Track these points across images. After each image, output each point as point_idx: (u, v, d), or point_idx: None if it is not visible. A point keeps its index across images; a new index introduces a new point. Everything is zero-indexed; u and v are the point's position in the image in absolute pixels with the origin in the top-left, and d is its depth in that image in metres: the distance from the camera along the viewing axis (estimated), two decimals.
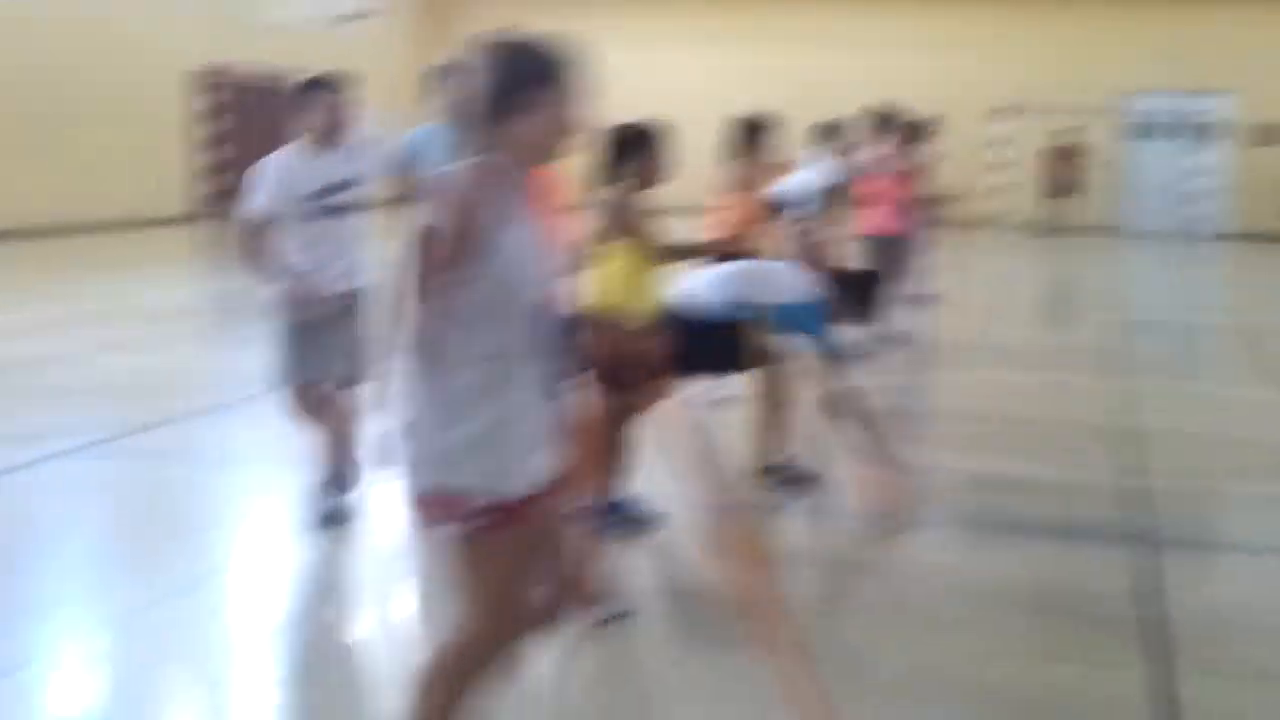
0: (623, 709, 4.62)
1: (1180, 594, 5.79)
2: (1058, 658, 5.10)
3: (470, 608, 3.38)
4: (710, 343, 6.99)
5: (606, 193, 6.12)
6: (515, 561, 3.39)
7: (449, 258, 3.21)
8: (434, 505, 3.30)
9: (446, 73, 7.79)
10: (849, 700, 4.65)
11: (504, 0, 29.31)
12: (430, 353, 3.28)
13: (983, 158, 25.21)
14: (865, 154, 12.40)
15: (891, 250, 12.11)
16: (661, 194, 6.34)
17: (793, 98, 21.26)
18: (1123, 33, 26.99)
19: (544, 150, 3.42)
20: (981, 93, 26.25)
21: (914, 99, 18.16)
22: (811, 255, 9.87)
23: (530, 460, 3.36)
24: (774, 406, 7.33)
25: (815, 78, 26.84)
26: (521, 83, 3.35)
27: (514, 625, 3.44)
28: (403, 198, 6.40)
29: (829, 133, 11.50)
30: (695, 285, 7.03)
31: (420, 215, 3.24)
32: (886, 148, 12.35)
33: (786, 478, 7.33)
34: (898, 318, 12.38)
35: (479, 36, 3.39)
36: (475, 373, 3.29)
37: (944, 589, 5.88)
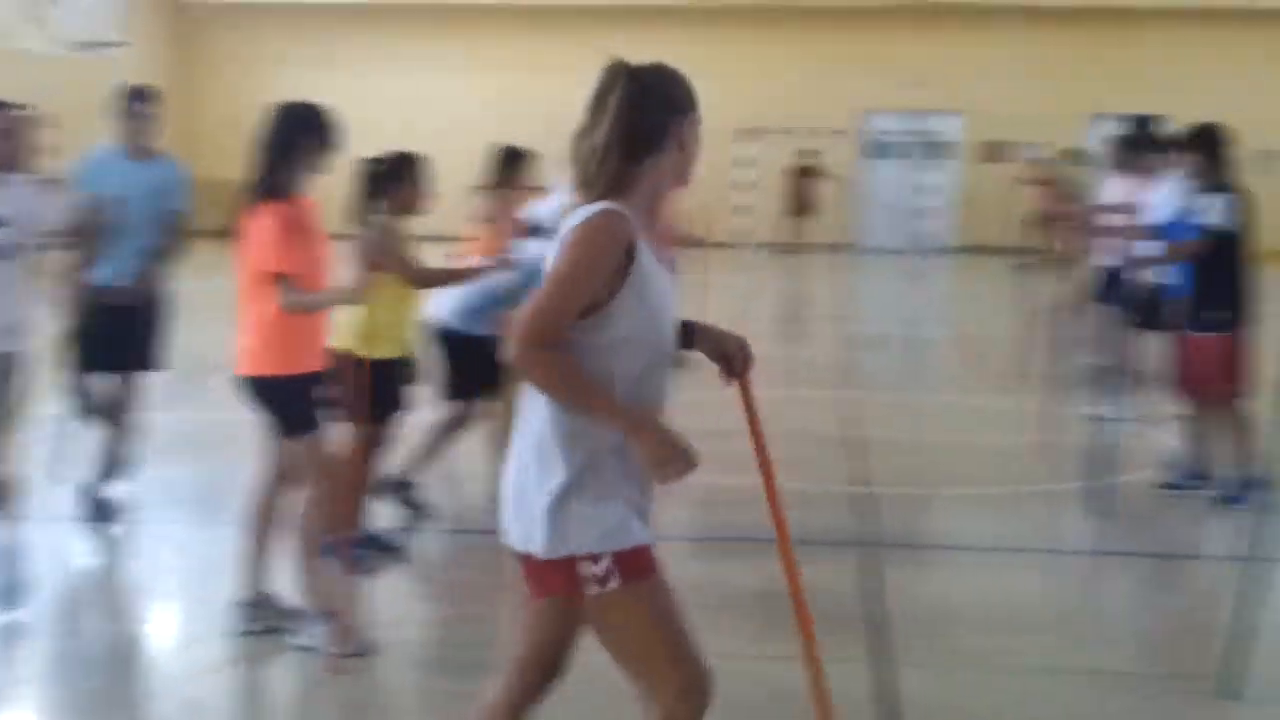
0: None
1: (900, 592, 6.25)
2: (791, 659, 5.46)
3: (645, 670, 3.25)
4: (474, 364, 7.24)
5: (365, 223, 6.28)
6: (667, 606, 3.28)
7: (598, 312, 3.07)
8: (566, 569, 3.14)
9: (136, 96, 7.60)
10: (585, 711, 4.92)
11: (250, 27, 29.05)
12: (566, 409, 3.11)
13: (727, 178, 25.90)
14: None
15: None
16: (416, 224, 6.55)
17: (541, 125, 21.54)
18: (858, 55, 28.08)
19: (670, 188, 3.25)
20: (725, 114, 26.96)
21: None
22: None
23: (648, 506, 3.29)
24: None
25: (563, 105, 27.20)
26: (661, 115, 3.20)
27: (699, 670, 3.31)
28: (78, 230, 5.93)
29: None
30: (455, 306, 7.24)
31: (559, 263, 3.08)
32: None
33: None
34: None
35: (609, 63, 3.27)
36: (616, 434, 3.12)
37: (689, 598, 6.17)
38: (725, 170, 25.79)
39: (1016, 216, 26.55)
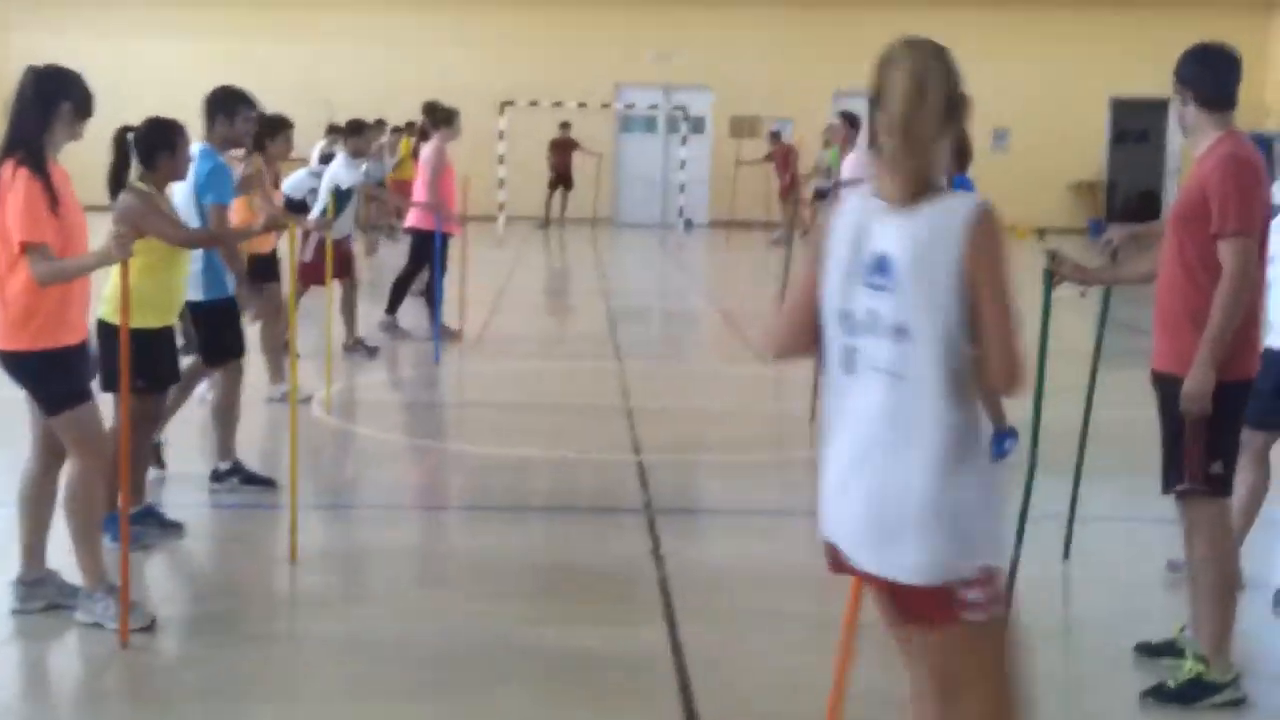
0: (149, 712, 4.77)
1: (678, 555, 6.45)
2: (582, 619, 5.64)
3: (997, 701, 3.13)
4: (218, 328, 7.19)
5: (126, 190, 6.14)
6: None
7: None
8: (945, 593, 3.01)
9: None
10: (389, 680, 4.99)
11: None
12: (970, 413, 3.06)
13: (493, 150, 25.81)
14: (424, 151, 12.71)
15: (425, 246, 12.33)
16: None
17: (284, 94, 21.21)
18: (614, 29, 28.33)
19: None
20: (488, 86, 26.86)
21: (423, 95, 18.55)
22: (320, 254, 10.10)
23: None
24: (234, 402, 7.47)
25: (312, 73, 26.77)
26: (959, 88, 3.08)
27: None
28: None
29: (354, 131, 11.72)
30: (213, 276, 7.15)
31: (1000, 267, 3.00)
32: (433, 144, 12.54)
33: (246, 477, 7.43)
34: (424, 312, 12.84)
35: (906, 41, 3.07)
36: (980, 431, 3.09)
37: (475, 567, 6.31)
38: (489, 143, 25.66)
39: (767, 191, 27.29)
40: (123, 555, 5.23)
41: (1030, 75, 28.44)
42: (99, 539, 5.43)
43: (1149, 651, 5.22)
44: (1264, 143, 5.82)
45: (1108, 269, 5.80)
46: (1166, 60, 5.12)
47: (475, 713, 4.72)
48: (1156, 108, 26.91)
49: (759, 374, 11.51)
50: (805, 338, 3.26)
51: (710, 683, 4.98)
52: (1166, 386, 4.85)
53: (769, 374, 11.49)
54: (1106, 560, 6.52)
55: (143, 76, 25.21)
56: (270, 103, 8.28)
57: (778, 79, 28.30)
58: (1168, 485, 4.93)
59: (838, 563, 3.22)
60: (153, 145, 6.19)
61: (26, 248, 5.07)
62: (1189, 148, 5.01)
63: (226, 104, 7.48)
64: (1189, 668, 4.88)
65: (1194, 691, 4.84)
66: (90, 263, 5.22)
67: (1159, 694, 4.87)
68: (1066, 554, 6.40)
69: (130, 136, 6.20)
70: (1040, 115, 28.54)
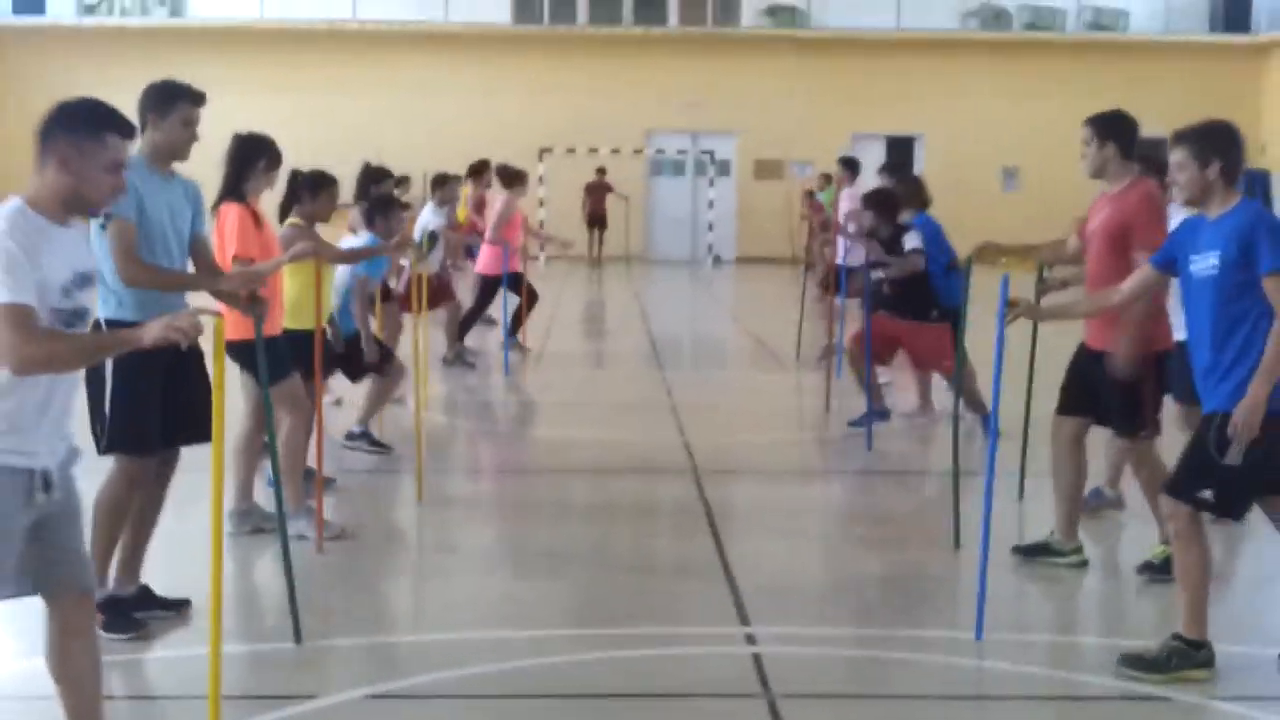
0: (339, 597, 6.75)
1: (720, 498, 8.42)
2: (652, 535, 7.66)
3: None
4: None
5: (289, 225, 8.02)
6: None
7: None
8: None
9: None
10: (514, 564, 6.95)
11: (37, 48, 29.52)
12: None
13: (533, 195, 27.61)
14: (498, 204, 14.42)
15: (490, 288, 14.25)
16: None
17: (342, 143, 23.00)
18: (645, 79, 30.31)
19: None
20: (527, 134, 28.83)
21: (467, 142, 20.34)
22: (410, 287, 12.01)
23: None
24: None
25: (366, 124, 28.54)
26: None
27: None
28: None
29: (440, 183, 13.68)
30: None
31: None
32: (488, 194, 14.43)
33: (372, 441, 9.43)
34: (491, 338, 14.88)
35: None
36: None
37: (576, 514, 8.34)
38: (530, 188, 27.45)
39: (787, 229, 29.24)
40: (317, 486, 7.22)
41: (1037, 117, 30.17)
42: (300, 476, 7.37)
43: (1024, 553, 7.01)
44: (1259, 178, 7.56)
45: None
46: (1168, 103, 6.97)
47: (578, 587, 6.69)
48: (1157, 145, 28.39)
49: (782, 380, 13.46)
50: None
51: (746, 568, 6.93)
52: (1107, 360, 6.52)
53: (790, 381, 13.45)
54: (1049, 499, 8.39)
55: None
56: (330, 151, 9.72)
57: (798, 123, 30.22)
58: (1131, 432, 6.70)
59: None
60: (302, 187, 8.09)
61: (236, 259, 7.00)
62: (1106, 183, 6.86)
63: (378, 178, 9.64)
64: (1162, 549, 6.62)
65: (1170, 567, 6.43)
66: (283, 260, 7.07)
67: (1149, 569, 6.70)
68: (1020, 495, 8.31)
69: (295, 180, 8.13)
70: (1047, 155, 30.33)
